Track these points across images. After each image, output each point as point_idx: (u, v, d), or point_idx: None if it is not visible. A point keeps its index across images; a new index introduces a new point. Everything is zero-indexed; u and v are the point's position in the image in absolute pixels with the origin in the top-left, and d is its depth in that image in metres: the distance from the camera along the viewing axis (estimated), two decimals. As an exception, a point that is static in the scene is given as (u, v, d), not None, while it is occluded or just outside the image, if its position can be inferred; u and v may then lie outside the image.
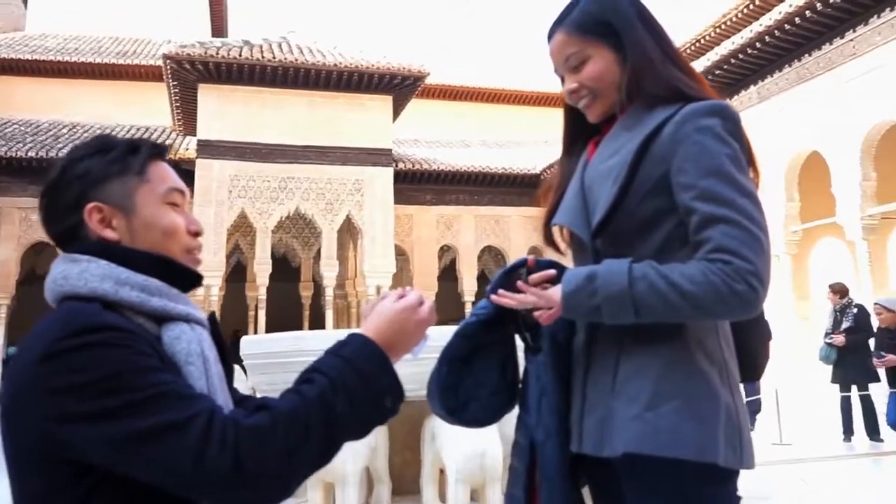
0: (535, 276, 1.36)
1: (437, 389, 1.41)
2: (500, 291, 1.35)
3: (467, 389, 1.43)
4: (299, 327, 19.51)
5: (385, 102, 18.71)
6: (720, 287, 1.18)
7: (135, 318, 1.05)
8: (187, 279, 1.15)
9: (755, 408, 8.69)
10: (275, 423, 0.96)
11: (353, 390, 1.02)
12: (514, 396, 1.48)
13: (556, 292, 1.29)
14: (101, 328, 0.97)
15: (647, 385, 1.25)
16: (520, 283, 1.34)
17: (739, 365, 1.36)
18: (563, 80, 1.46)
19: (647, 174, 1.29)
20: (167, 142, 18.66)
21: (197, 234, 1.19)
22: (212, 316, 1.20)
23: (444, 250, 21.61)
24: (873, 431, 7.91)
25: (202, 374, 1.05)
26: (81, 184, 1.11)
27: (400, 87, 18.55)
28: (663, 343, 1.27)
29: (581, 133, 1.52)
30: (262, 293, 17.54)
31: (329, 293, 18.17)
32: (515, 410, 1.49)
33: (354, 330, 1.15)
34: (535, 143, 24.53)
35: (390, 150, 18.68)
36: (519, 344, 1.48)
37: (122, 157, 1.14)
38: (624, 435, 1.24)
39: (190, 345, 1.06)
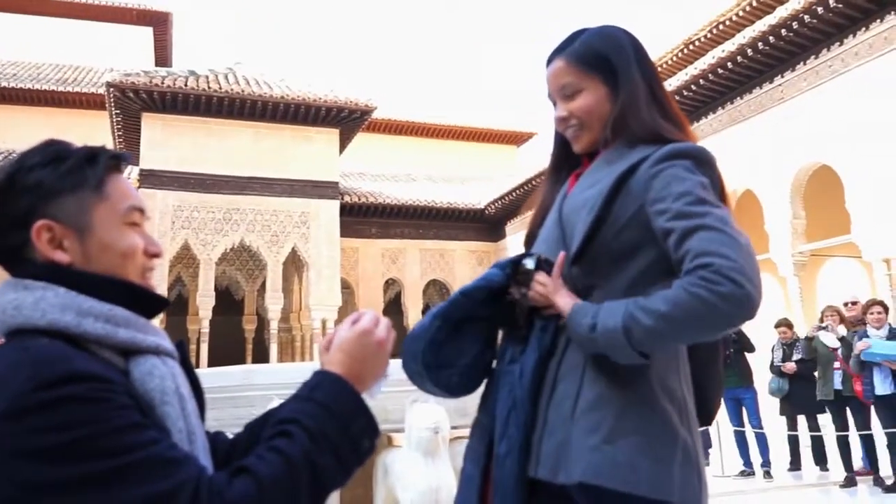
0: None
1: (424, 342, 1.39)
2: (534, 290, 1.37)
3: (447, 354, 1.41)
4: (242, 361, 19.13)
5: (332, 135, 18.71)
6: (705, 296, 1.15)
7: (100, 351, 0.94)
8: (152, 305, 1.04)
9: (706, 443, 8.92)
10: (261, 493, 0.86)
11: (334, 439, 0.95)
12: (485, 377, 1.47)
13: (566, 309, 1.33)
14: (77, 378, 0.84)
15: (608, 418, 1.26)
16: (550, 280, 1.37)
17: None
18: (554, 105, 1.50)
19: (622, 209, 1.33)
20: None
21: (155, 255, 1.08)
22: (180, 343, 1.10)
23: (390, 284, 21.57)
24: (820, 461, 8.14)
25: (180, 415, 0.96)
26: (31, 198, 0.97)
27: (347, 121, 18.60)
28: (626, 378, 1.28)
29: (567, 161, 1.56)
30: (205, 326, 17.16)
31: (274, 327, 17.88)
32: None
33: (315, 365, 1.09)
34: (480, 178, 24.87)
35: (336, 182, 18.65)
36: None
37: (77, 168, 1.01)
38: (581, 464, 1.24)
39: (164, 382, 0.96)
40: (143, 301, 1.03)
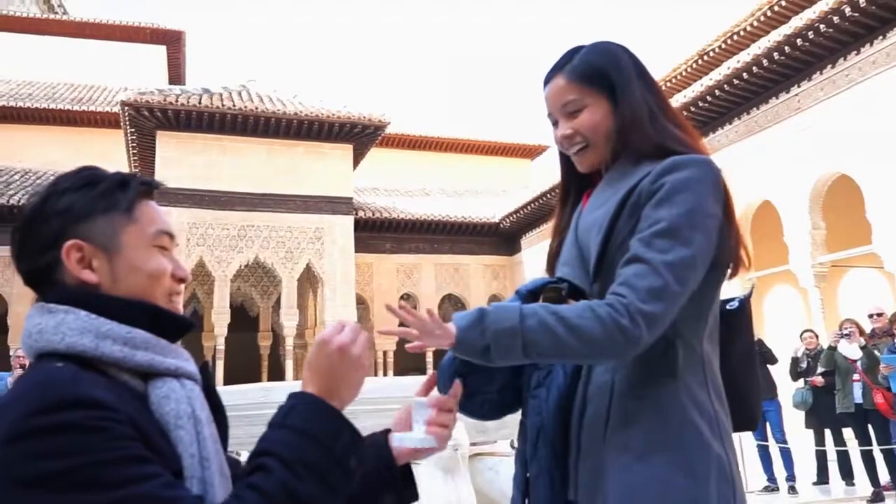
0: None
1: (447, 375, 1.38)
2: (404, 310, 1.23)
3: (476, 383, 1.39)
4: (258, 378, 19.13)
5: (345, 151, 18.78)
6: (605, 319, 1.18)
7: (119, 374, 0.95)
8: (176, 327, 1.05)
9: None
10: None
11: (317, 465, 0.93)
12: (520, 399, 1.46)
13: (451, 327, 1.23)
14: (78, 404, 0.84)
15: (638, 435, 1.26)
16: (424, 315, 1.23)
17: (734, 415, 1.36)
18: (555, 124, 1.47)
19: (625, 222, 1.32)
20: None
21: (182, 280, 1.09)
22: (204, 366, 1.09)
23: (405, 298, 21.53)
24: (847, 475, 7.98)
25: (193, 440, 0.95)
26: (62, 220, 0.99)
27: (360, 136, 18.67)
28: (654, 394, 1.28)
29: (574, 181, 1.54)
30: (220, 343, 17.19)
31: (289, 343, 17.91)
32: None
33: (291, 387, 1.07)
34: (494, 192, 24.86)
35: (350, 198, 18.70)
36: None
37: (109, 192, 1.03)
38: (616, 487, 1.24)
39: (179, 405, 0.96)
40: (166, 324, 1.03)
